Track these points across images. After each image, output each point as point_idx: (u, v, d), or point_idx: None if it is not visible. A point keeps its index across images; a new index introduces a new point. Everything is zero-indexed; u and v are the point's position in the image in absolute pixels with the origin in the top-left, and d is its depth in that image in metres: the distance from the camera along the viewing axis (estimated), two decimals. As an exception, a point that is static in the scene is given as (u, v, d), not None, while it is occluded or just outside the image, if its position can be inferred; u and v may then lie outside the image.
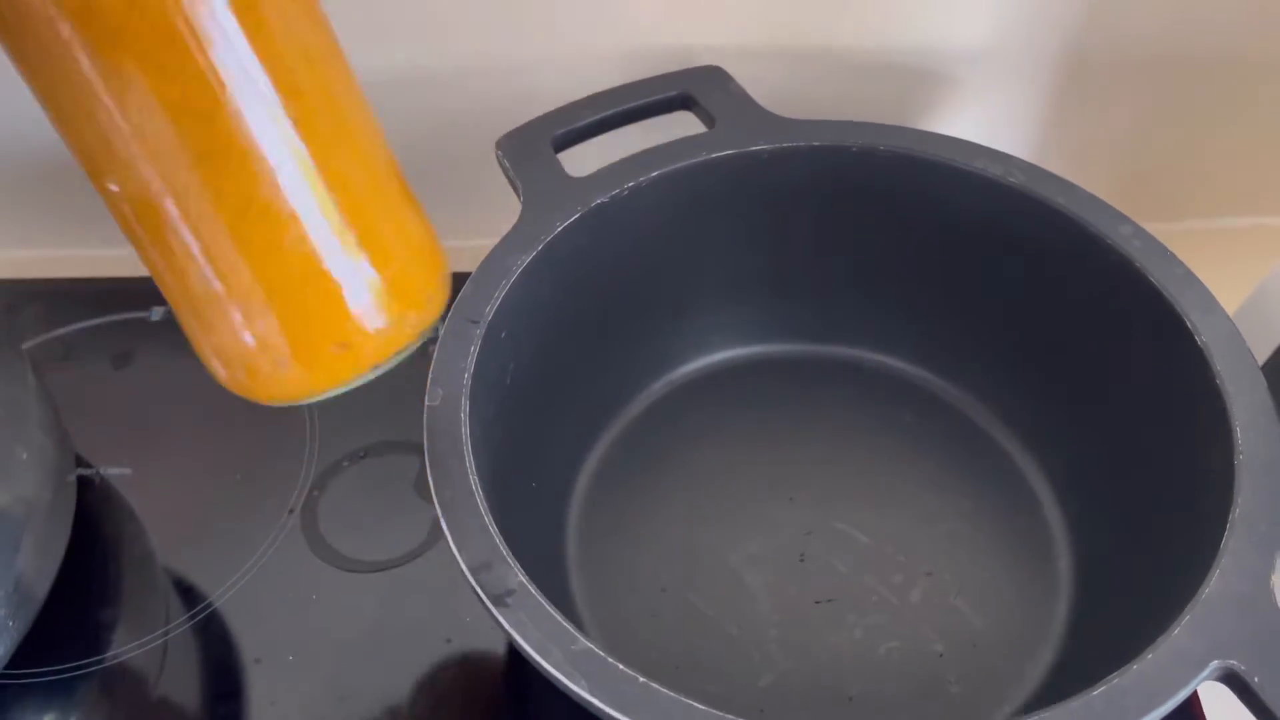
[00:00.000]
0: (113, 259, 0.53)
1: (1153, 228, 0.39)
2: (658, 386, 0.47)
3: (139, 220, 0.26)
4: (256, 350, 0.28)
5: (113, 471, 0.46)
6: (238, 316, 0.27)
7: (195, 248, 0.26)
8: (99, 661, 0.40)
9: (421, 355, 0.36)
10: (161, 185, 0.25)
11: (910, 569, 0.41)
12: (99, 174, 0.25)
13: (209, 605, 0.42)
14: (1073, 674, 0.37)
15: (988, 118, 0.51)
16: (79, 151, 0.25)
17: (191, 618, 0.41)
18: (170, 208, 0.25)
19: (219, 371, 0.29)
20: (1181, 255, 0.38)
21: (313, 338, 0.28)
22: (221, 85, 0.24)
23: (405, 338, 0.29)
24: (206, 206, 0.25)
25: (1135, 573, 0.37)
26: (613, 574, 0.41)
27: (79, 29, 0.22)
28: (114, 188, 0.26)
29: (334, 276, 0.27)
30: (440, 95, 0.49)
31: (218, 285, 0.27)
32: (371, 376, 0.29)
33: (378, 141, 0.29)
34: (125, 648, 0.41)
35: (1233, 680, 0.29)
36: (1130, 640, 0.30)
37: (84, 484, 0.45)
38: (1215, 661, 0.29)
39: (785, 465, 0.44)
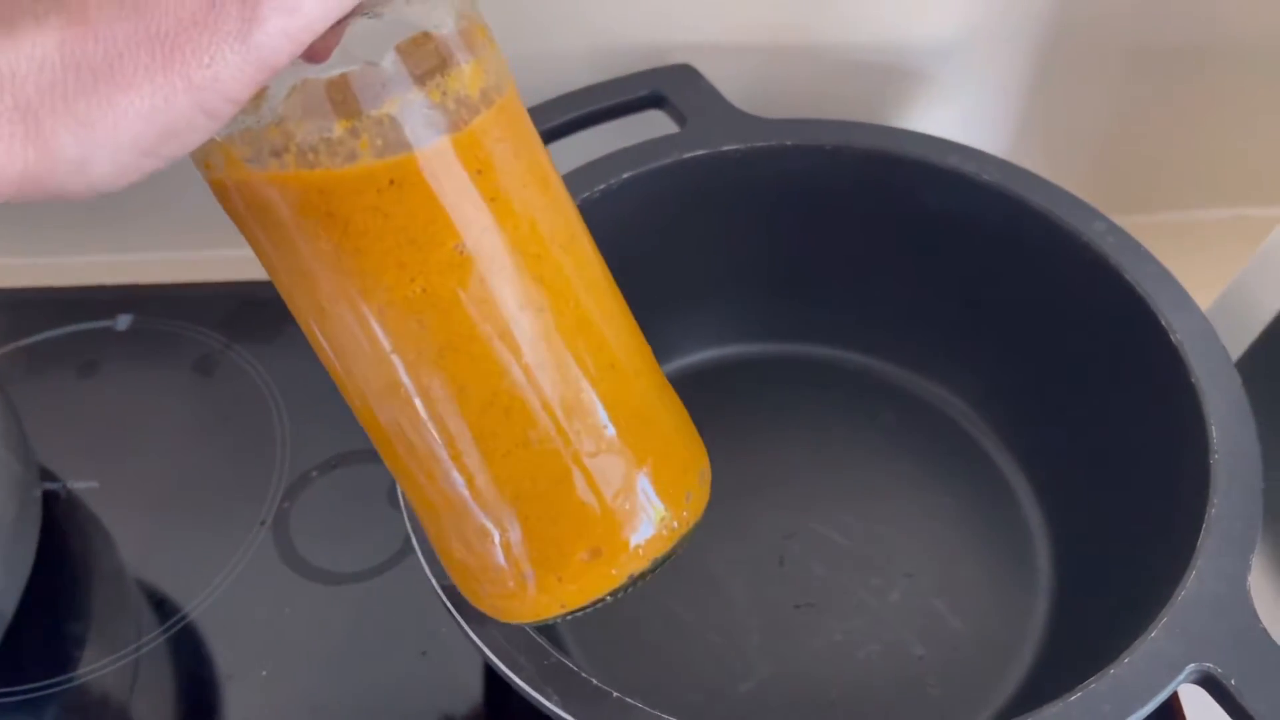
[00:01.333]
0: (76, 266, 0.52)
1: (1129, 220, 0.39)
2: (633, 389, 0.46)
3: (388, 433, 0.24)
4: (505, 563, 0.25)
5: (80, 485, 0.45)
6: (486, 520, 0.24)
7: (442, 451, 0.24)
8: (69, 680, 0.40)
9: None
10: (409, 388, 0.23)
11: (890, 571, 0.41)
12: (350, 391, 0.24)
13: (180, 619, 0.41)
14: (1053, 674, 0.37)
15: (962, 113, 0.50)
16: (328, 362, 0.24)
17: (163, 633, 0.41)
18: (418, 409, 0.23)
19: (470, 594, 0.27)
20: (1158, 248, 0.38)
21: (562, 544, 0.24)
22: (468, 274, 0.22)
23: (665, 544, 0.25)
24: (450, 404, 0.23)
25: (1114, 573, 0.37)
26: (590, 581, 0.41)
27: (325, 229, 0.22)
28: (349, 382, 0.24)
29: (587, 476, 0.24)
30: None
31: (464, 490, 0.24)
32: (630, 588, 0.25)
33: (632, 326, 0.26)
34: (96, 665, 0.40)
35: (1210, 683, 0.29)
36: (1109, 640, 0.30)
37: (50, 498, 0.44)
38: (1192, 664, 0.28)
39: (764, 467, 0.44)
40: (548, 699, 0.28)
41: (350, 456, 0.45)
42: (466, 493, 0.24)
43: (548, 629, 0.38)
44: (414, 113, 0.21)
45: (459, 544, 0.25)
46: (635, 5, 0.46)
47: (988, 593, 0.41)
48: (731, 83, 0.44)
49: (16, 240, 0.54)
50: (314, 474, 0.45)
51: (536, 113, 0.42)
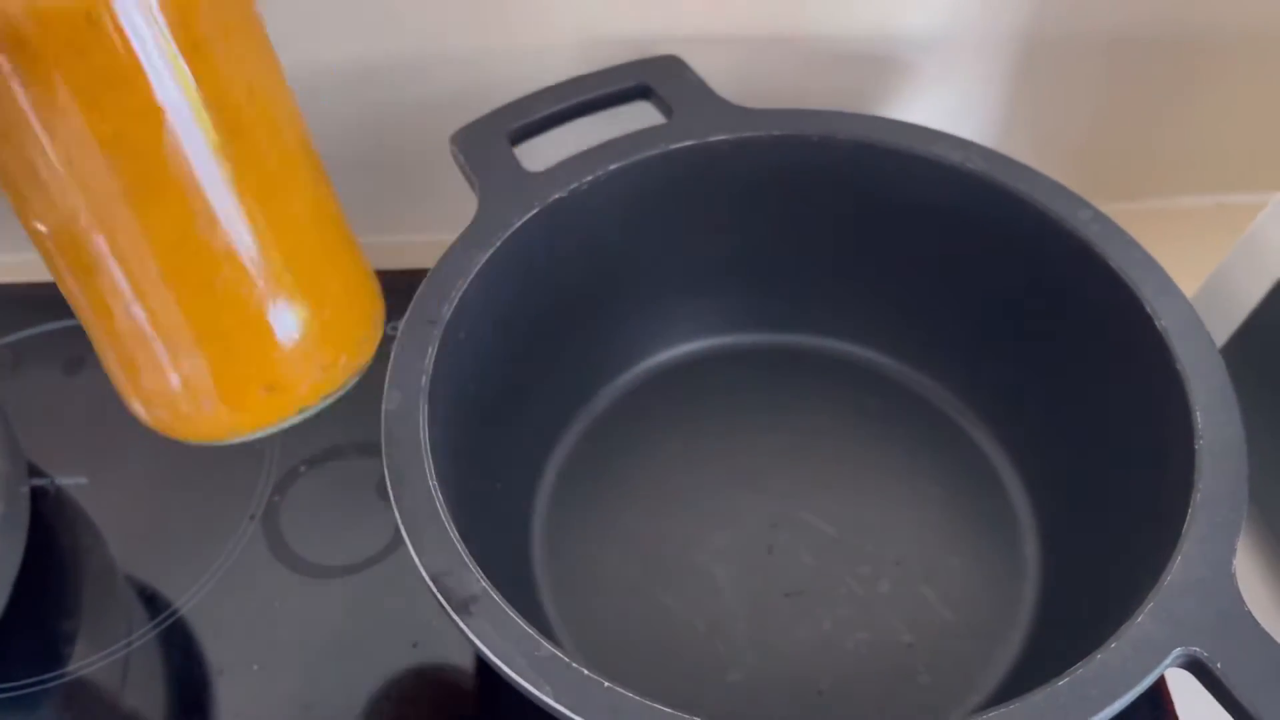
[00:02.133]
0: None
1: (1115, 208, 0.39)
2: (622, 381, 0.46)
3: (66, 257, 0.25)
4: (181, 390, 0.27)
5: (68, 481, 0.45)
6: (164, 356, 0.26)
7: (124, 285, 0.25)
8: (60, 676, 0.40)
9: (381, 356, 0.35)
10: (92, 220, 0.24)
11: (878, 559, 0.41)
12: (28, 212, 0.25)
13: (171, 615, 0.41)
14: (1042, 660, 0.37)
15: (948, 102, 0.50)
16: (7, 187, 0.24)
17: (153, 628, 0.41)
18: (100, 245, 0.24)
19: (139, 411, 0.28)
20: (1144, 235, 0.38)
21: (241, 379, 0.27)
22: (160, 122, 0.23)
23: (335, 382, 0.28)
24: (138, 243, 0.24)
25: (1101, 558, 0.37)
26: (580, 572, 0.41)
27: (12, 59, 0.21)
28: (41, 227, 0.25)
29: (266, 318, 0.26)
30: (394, 88, 0.48)
31: (146, 324, 0.26)
32: (298, 420, 0.28)
33: (321, 181, 0.28)
34: (86, 661, 0.40)
35: (1196, 667, 0.29)
36: (1097, 625, 0.31)
37: (38, 495, 0.44)
38: (1178, 649, 0.29)
39: (752, 456, 0.44)
40: (539, 690, 0.28)
41: (339, 450, 0.45)
42: (149, 327, 0.26)
43: (538, 622, 0.39)
44: None
45: (139, 370, 0.27)
46: (621, -4, 0.46)
47: (976, 580, 0.41)
48: (719, 74, 0.44)
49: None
50: (303, 468, 0.45)
51: (521, 105, 0.42)
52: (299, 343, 0.27)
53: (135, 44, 0.22)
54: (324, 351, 0.28)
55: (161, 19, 0.22)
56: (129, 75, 0.22)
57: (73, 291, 0.27)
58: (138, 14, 0.22)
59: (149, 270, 0.25)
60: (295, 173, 0.27)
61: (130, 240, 0.24)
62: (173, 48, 0.22)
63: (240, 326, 0.26)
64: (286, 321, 0.27)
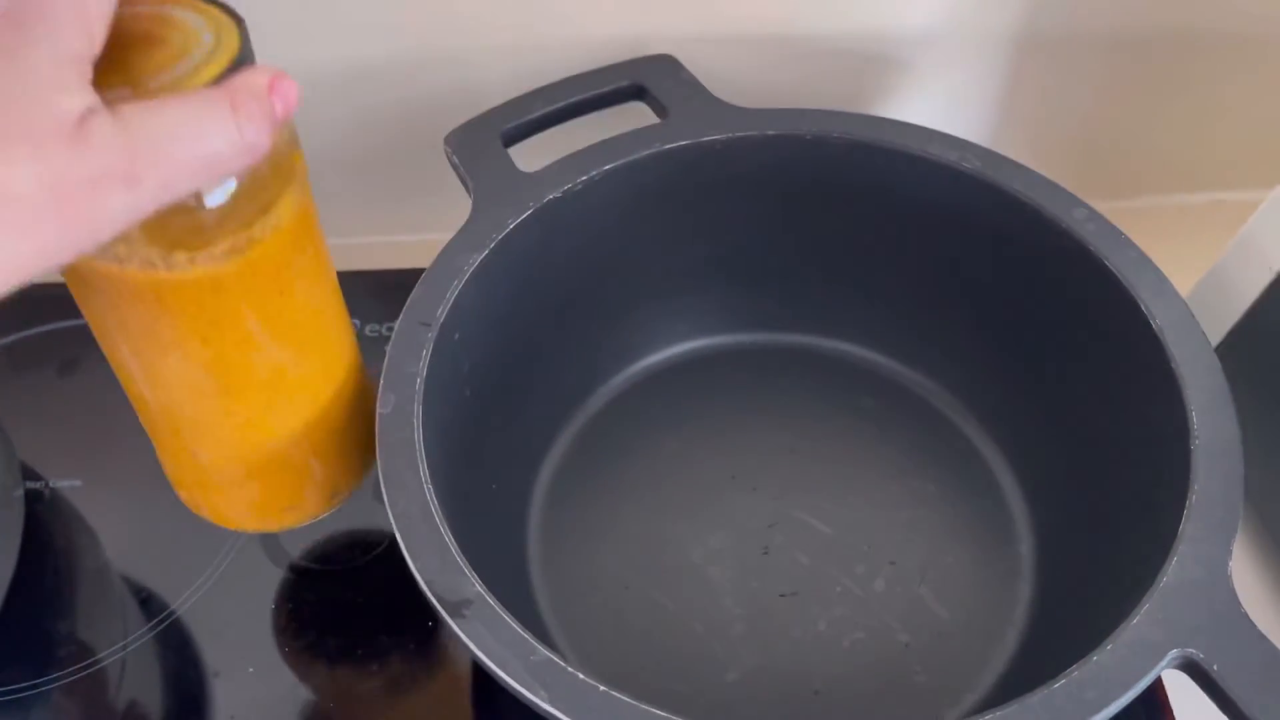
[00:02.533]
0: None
1: (1111, 205, 0.39)
2: (617, 381, 0.46)
3: (157, 422, 0.34)
4: (222, 504, 0.36)
5: (62, 483, 0.45)
6: (218, 484, 0.36)
7: (198, 447, 0.34)
8: (56, 679, 0.40)
9: (378, 356, 0.35)
10: (182, 404, 0.32)
11: (873, 559, 0.41)
12: (129, 386, 0.33)
13: (167, 616, 0.41)
14: (1037, 660, 0.37)
15: (944, 100, 0.50)
16: (117, 369, 0.33)
17: (149, 630, 0.41)
18: (185, 415, 0.33)
19: (182, 497, 0.38)
20: (1139, 232, 0.38)
21: (270, 507, 0.36)
22: (252, 346, 0.31)
23: (339, 500, 0.38)
24: (216, 420, 0.33)
25: (1096, 558, 0.37)
26: (576, 572, 0.41)
27: (146, 307, 0.29)
28: (144, 395, 0.33)
29: (300, 472, 0.35)
30: (389, 89, 0.48)
31: (208, 466, 0.35)
32: (302, 525, 0.38)
33: (351, 369, 0.35)
34: (83, 664, 0.40)
35: (1192, 668, 0.29)
36: (1093, 626, 0.31)
37: (33, 497, 0.44)
38: (1174, 650, 0.29)
39: (747, 456, 0.44)
40: (535, 694, 0.28)
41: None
42: (209, 469, 0.35)
43: (534, 623, 0.39)
44: (225, 247, 0.28)
45: (192, 486, 0.37)
46: (615, -5, 0.46)
47: (972, 579, 0.41)
48: (713, 73, 0.44)
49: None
50: (298, 470, 0.45)
51: (515, 106, 0.42)
52: (319, 485, 0.36)
53: (244, 299, 0.30)
54: (334, 485, 0.37)
55: (254, 283, 0.30)
56: (234, 318, 0.30)
57: (154, 429, 0.35)
58: (250, 279, 0.29)
59: (220, 436, 0.33)
60: (340, 368, 0.34)
61: (209, 417, 0.33)
62: (271, 294, 0.30)
63: (278, 477, 0.35)
64: (314, 472, 0.36)
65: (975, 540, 0.42)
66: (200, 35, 0.27)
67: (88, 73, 0.23)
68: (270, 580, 0.42)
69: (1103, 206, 0.39)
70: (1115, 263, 0.37)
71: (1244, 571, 0.43)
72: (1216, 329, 0.41)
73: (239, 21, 0.27)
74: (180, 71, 0.26)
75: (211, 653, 0.40)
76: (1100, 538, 0.37)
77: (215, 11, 0.28)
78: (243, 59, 0.26)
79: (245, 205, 0.29)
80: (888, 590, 0.40)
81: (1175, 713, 0.38)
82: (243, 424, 0.33)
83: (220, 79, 0.26)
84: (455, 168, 0.40)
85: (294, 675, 0.39)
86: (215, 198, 0.27)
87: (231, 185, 0.28)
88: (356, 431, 0.36)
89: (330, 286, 0.34)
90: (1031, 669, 0.36)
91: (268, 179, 0.29)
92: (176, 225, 0.27)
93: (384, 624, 0.41)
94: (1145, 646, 0.29)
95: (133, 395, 0.34)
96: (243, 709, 0.39)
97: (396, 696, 0.39)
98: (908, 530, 0.42)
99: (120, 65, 0.26)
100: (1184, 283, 0.42)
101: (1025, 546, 0.41)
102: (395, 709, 0.39)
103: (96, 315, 0.31)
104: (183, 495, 0.38)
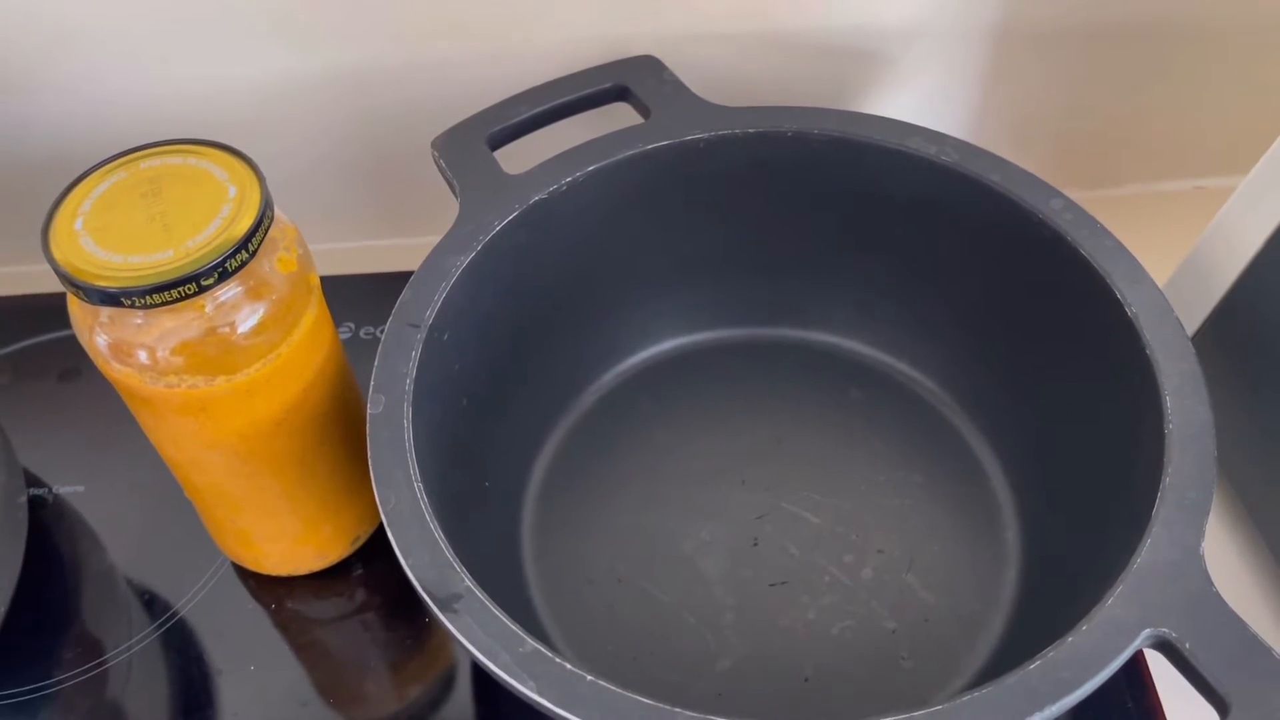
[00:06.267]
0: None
1: (1091, 194, 0.40)
2: (607, 378, 0.47)
3: (203, 497, 0.40)
4: (257, 554, 0.42)
5: (66, 489, 0.45)
6: (251, 539, 0.41)
7: (236, 516, 0.40)
8: (62, 681, 0.40)
9: (370, 359, 0.36)
10: (222, 482, 0.38)
11: (861, 548, 0.42)
12: (173, 465, 0.39)
13: (171, 617, 0.42)
14: (1022, 644, 0.38)
15: (925, 94, 0.51)
16: (167, 457, 0.38)
17: (154, 631, 0.41)
18: (226, 490, 0.38)
19: (219, 544, 0.43)
20: (1122, 220, 0.38)
21: (294, 556, 0.42)
22: (281, 432, 0.36)
23: (354, 548, 0.43)
24: (257, 489, 0.38)
25: (1077, 543, 0.38)
26: (569, 566, 0.42)
27: (189, 410, 0.34)
28: (191, 479, 0.39)
29: (318, 526, 0.41)
30: (376, 93, 0.49)
31: (242, 527, 0.40)
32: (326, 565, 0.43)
33: (356, 434, 0.38)
34: (88, 666, 0.41)
35: (1165, 647, 0.29)
36: (1073, 609, 0.31)
37: (37, 504, 0.45)
38: (1147, 630, 0.29)
39: (736, 449, 0.45)
40: (523, 684, 0.29)
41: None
42: (252, 532, 0.40)
43: (528, 617, 0.39)
44: (258, 365, 0.34)
45: (228, 537, 0.42)
46: (597, -3, 0.46)
47: (958, 565, 0.41)
48: (695, 72, 0.44)
49: (-6, 249, 0.54)
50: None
51: (500, 109, 0.42)
52: (343, 534, 0.42)
53: (278, 397, 0.35)
54: (354, 533, 0.42)
55: (289, 382, 0.35)
56: (266, 411, 0.35)
57: (199, 501, 0.40)
58: (278, 379, 0.34)
59: (258, 505, 0.39)
60: (348, 440, 0.39)
61: (248, 493, 0.38)
62: (295, 388, 0.35)
63: (306, 534, 0.41)
64: (336, 526, 0.41)
65: (961, 528, 0.42)
66: (227, 189, 0.32)
67: None
68: (270, 579, 0.43)
69: (1085, 195, 0.39)
70: (1091, 251, 0.37)
71: (1223, 552, 0.43)
72: (1198, 312, 0.42)
73: (260, 178, 0.32)
74: (212, 231, 0.31)
75: (214, 651, 0.41)
76: (1081, 524, 0.38)
77: (231, 159, 0.33)
78: (265, 206, 0.32)
79: (273, 330, 0.33)
80: (876, 578, 0.41)
81: (1159, 691, 0.38)
82: (277, 495, 0.38)
83: (250, 232, 0.31)
84: (442, 171, 0.41)
85: (295, 672, 0.40)
86: (247, 324, 0.33)
87: (261, 310, 0.33)
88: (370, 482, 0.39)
89: (338, 360, 0.38)
90: (1018, 653, 0.36)
91: (291, 303, 0.34)
92: (216, 356, 0.33)
93: (383, 620, 0.42)
94: (1119, 626, 0.29)
95: (180, 477, 0.39)
96: (245, 705, 0.39)
97: (397, 691, 0.40)
98: (895, 519, 0.43)
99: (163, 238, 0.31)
100: (1168, 269, 0.42)
101: (1011, 533, 0.42)
102: (396, 704, 0.40)
103: (148, 421, 0.36)
104: (221, 545, 0.43)
